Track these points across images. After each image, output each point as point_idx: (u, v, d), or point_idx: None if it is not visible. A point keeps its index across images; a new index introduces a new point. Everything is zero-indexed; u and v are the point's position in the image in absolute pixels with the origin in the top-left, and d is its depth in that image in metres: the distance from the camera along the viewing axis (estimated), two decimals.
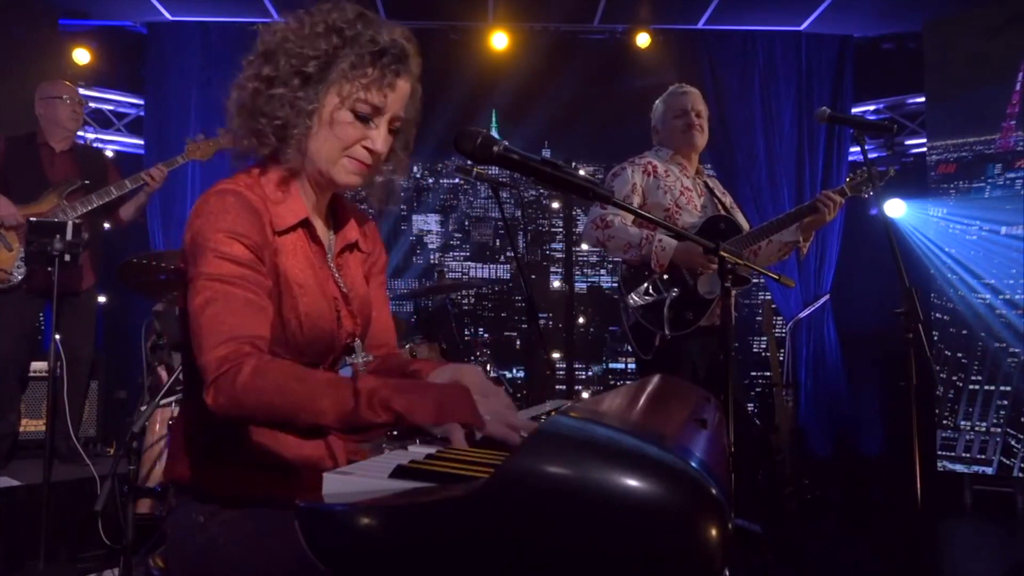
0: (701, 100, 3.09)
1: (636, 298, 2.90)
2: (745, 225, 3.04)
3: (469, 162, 2.63)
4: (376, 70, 1.27)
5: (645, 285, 2.90)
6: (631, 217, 2.93)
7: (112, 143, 5.67)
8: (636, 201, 2.94)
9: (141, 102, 5.67)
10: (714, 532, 0.75)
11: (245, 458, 1.31)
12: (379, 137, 1.32)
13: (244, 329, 1.18)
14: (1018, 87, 4.67)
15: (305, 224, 1.35)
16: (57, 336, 3.32)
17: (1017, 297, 4.61)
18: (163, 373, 3.25)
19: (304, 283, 1.32)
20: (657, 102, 3.17)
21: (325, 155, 1.31)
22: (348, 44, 1.26)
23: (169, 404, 3.00)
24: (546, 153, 5.47)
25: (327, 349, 1.38)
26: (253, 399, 1.13)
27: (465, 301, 6.39)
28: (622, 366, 6.47)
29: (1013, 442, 4.54)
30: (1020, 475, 4.50)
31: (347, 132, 1.30)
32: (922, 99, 5.35)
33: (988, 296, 4.71)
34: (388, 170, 1.44)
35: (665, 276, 2.88)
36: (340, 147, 1.31)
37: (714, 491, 0.77)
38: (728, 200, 3.12)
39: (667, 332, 2.83)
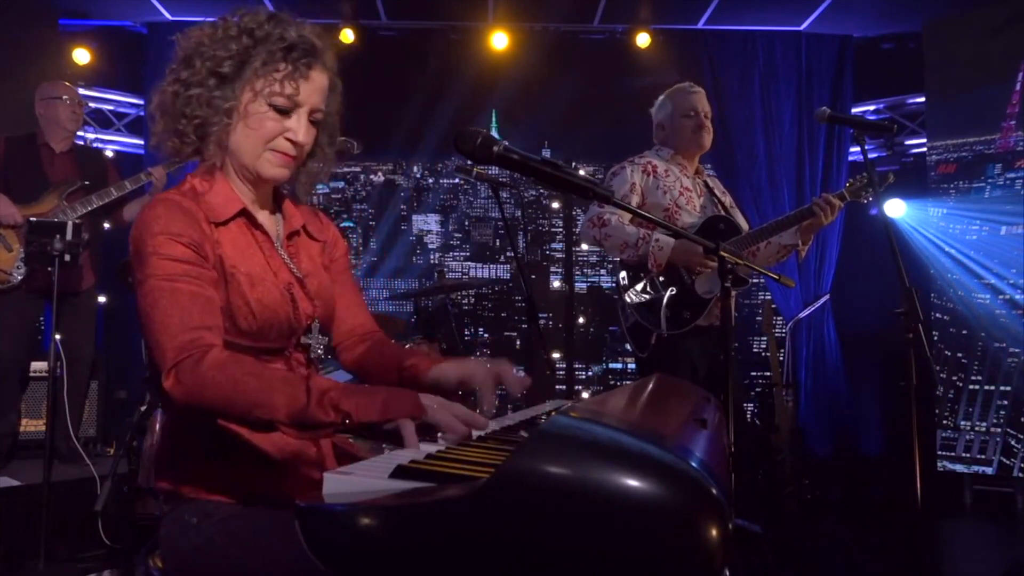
0: (707, 100, 3.08)
1: (633, 296, 2.90)
2: (744, 225, 3.04)
3: (469, 162, 2.63)
4: (288, 64, 1.33)
5: (642, 284, 2.90)
6: (627, 216, 2.93)
7: (112, 143, 5.67)
8: (635, 201, 2.94)
9: (141, 102, 5.66)
10: (714, 532, 0.75)
11: (229, 456, 1.32)
12: (299, 127, 1.36)
13: (195, 320, 1.23)
14: (1018, 87, 4.67)
15: (243, 214, 1.40)
16: (57, 336, 3.32)
17: (1017, 297, 4.61)
18: None
19: (250, 271, 1.36)
20: (662, 99, 3.12)
21: (248, 150, 1.36)
22: (259, 43, 1.32)
23: None
24: (546, 153, 5.47)
25: (287, 332, 1.40)
26: (210, 391, 1.18)
27: (465, 301, 6.39)
28: (622, 366, 6.47)
29: (1013, 442, 4.54)
30: (1020, 475, 4.50)
31: (267, 126, 1.34)
32: (922, 99, 5.35)
33: (988, 296, 4.71)
34: (316, 165, 1.48)
35: (662, 276, 2.87)
36: (262, 141, 1.35)
37: (714, 491, 0.77)
38: (728, 200, 3.12)
39: (664, 331, 2.83)
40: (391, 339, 1.64)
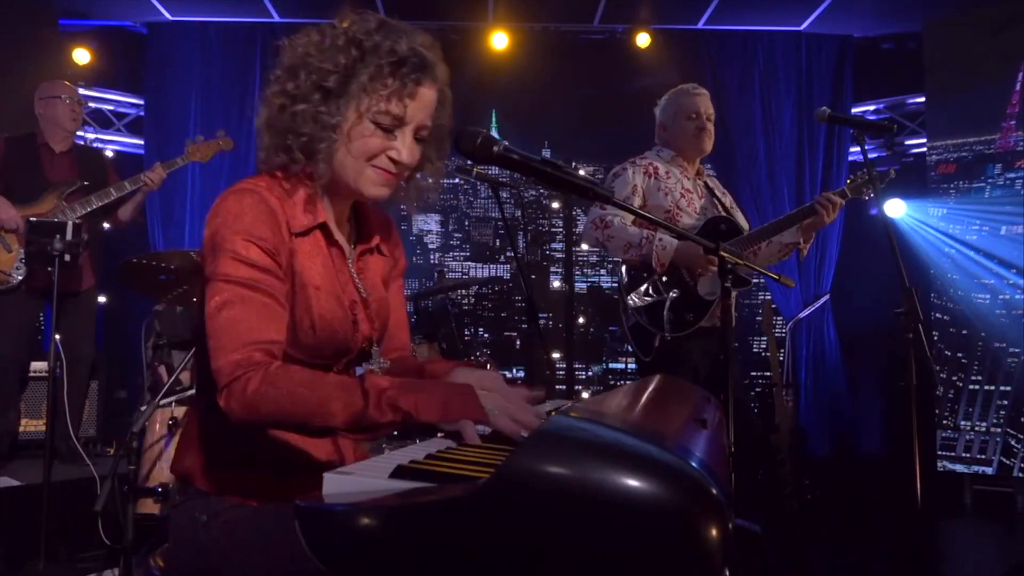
0: (710, 103, 3.06)
1: (636, 299, 2.89)
2: (745, 225, 3.04)
3: (469, 162, 2.63)
4: (396, 80, 1.26)
5: (645, 286, 2.89)
6: (631, 217, 2.92)
7: (112, 143, 5.67)
8: (636, 203, 2.93)
9: (141, 102, 5.66)
10: (714, 532, 0.75)
11: (254, 459, 1.32)
12: (403, 147, 1.31)
13: (258, 334, 1.20)
14: (1018, 87, 4.67)
15: (322, 228, 1.35)
16: (57, 336, 3.32)
17: (1017, 297, 4.61)
18: (163, 373, 3.25)
19: (320, 285, 1.33)
20: (666, 99, 3.11)
21: (351, 167, 1.30)
22: (367, 55, 1.26)
23: (169, 404, 2.99)
24: (546, 153, 5.48)
25: (341, 351, 1.38)
26: (265, 406, 1.15)
27: (465, 301, 6.38)
28: (622, 366, 6.47)
29: (1013, 442, 4.54)
30: (1020, 475, 4.50)
31: (370, 143, 1.29)
32: (922, 99, 5.35)
33: (988, 296, 4.71)
34: (425, 180, 1.44)
35: (664, 278, 2.87)
36: (364, 158, 1.30)
37: (714, 491, 0.78)
38: (728, 200, 3.12)
39: (667, 334, 2.83)
40: None
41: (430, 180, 1.44)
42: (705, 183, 3.09)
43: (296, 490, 1.29)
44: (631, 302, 2.90)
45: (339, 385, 1.18)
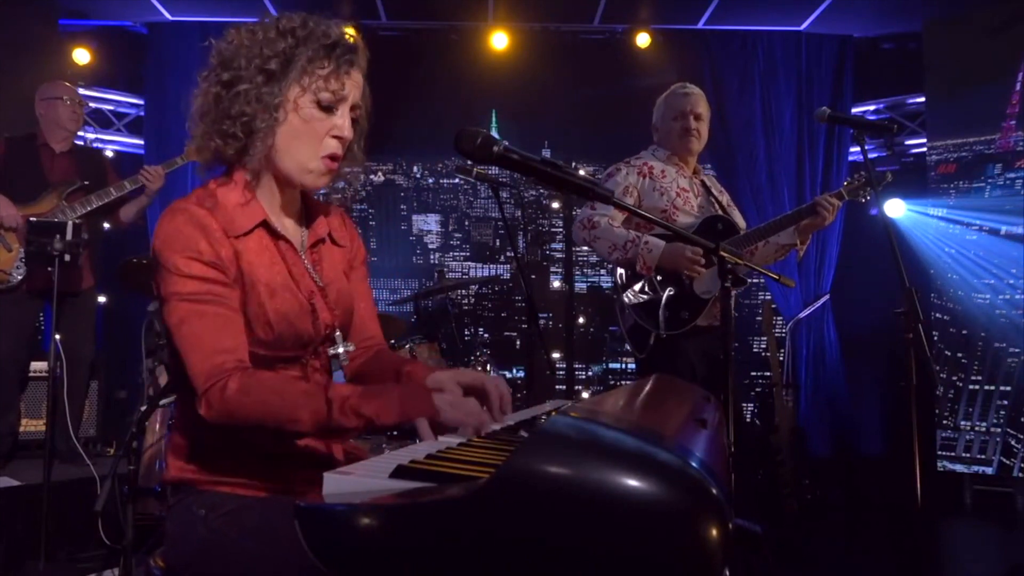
0: (703, 102, 3.05)
1: (631, 296, 2.89)
2: (741, 223, 3.04)
3: (469, 162, 2.63)
4: (332, 61, 1.35)
5: (641, 283, 2.89)
6: (619, 218, 2.92)
7: (112, 143, 5.67)
8: (629, 203, 2.93)
9: (141, 102, 5.67)
10: (714, 532, 0.75)
11: (244, 451, 1.35)
12: (344, 124, 1.38)
13: (220, 344, 1.27)
14: (1018, 87, 4.67)
15: (264, 225, 1.40)
16: (57, 336, 3.32)
17: (1017, 297, 4.61)
18: (163, 373, 3.25)
19: (270, 282, 1.37)
20: (660, 99, 3.13)
21: (295, 154, 1.37)
22: (302, 42, 1.34)
23: (169, 404, 3.00)
24: (546, 153, 5.48)
25: (304, 342, 1.41)
26: (240, 414, 1.25)
27: (465, 301, 6.39)
28: (622, 366, 6.47)
29: (1013, 442, 4.54)
30: (1020, 475, 4.50)
31: (315, 126, 1.36)
32: (922, 99, 5.35)
33: (988, 296, 4.71)
34: (349, 169, 1.49)
35: (659, 276, 2.86)
36: (313, 145, 1.37)
37: (714, 491, 0.77)
38: (725, 199, 3.11)
39: (662, 331, 2.82)
40: (391, 342, 1.66)
41: (354, 168, 1.50)
42: (702, 182, 3.08)
43: (288, 477, 1.35)
44: (627, 299, 2.90)
45: (306, 393, 1.26)
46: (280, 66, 1.34)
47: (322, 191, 1.53)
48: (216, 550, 1.29)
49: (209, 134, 1.37)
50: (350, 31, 1.41)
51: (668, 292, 2.84)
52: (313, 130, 1.36)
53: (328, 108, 1.36)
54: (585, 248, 3.48)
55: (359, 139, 1.48)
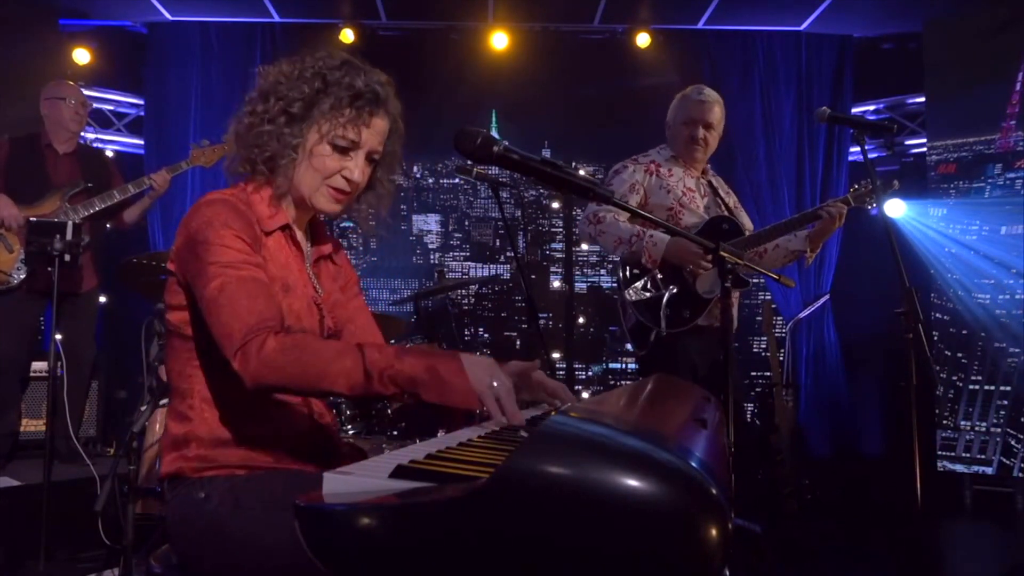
0: (716, 109, 2.99)
1: (633, 293, 2.88)
2: (749, 225, 3.03)
3: (469, 162, 2.63)
4: (352, 110, 1.44)
5: (643, 281, 2.89)
6: (624, 215, 2.92)
7: (112, 143, 5.67)
8: (635, 200, 2.93)
9: (141, 102, 5.66)
10: (714, 532, 0.75)
11: (236, 438, 1.40)
12: (356, 167, 1.47)
13: (261, 306, 1.31)
14: (1018, 87, 4.67)
15: (286, 228, 1.51)
16: (57, 336, 3.32)
17: (1017, 297, 4.61)
18: (163, 373, 3.24)
19: (286, 279, 1.46)
20: (677, 96, 3.10)
21: (307, 183, 1.47)
22: (329, 87, 1.44)
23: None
24: (546, 153, 5.47)
25: None
26: (277, 372, 1.25)
27: (465, 301, 6.38)
28: (622, 366, 6.46)
29: (1013, 442, 4.55)
30: (1020, 475, 4.50)
31: (326, 163, 1.46)
32: (922, 99, 5.35)
33: (988, 296, 4.71)
34: (374, 198, 1.60)
35: (661, 275, 2.86)
36: (321, 176, 1.46)
37: (714, 491, 0.77)
38: (732, 200, 3.11)
39: (663, 329, 2.82)
40: (390, 342, 1.69)
41: (378, 198, 1.61)
42: (709, 182, 3.07)
43: (282, 458, 1.41)
44: (629, 296, 2.89)
45: (340, 353, 1.27)
46: (302, 110, 1.43)
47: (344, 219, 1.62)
48: (216, 530, 1.31)
49: (240, 158, 1.48)
50: (382, 78, 1.49)
51: (671, 291, 2.84)
52: (325, 166, 1.46)
53: (342, 150, 1.46)
54: (585, 248, 3.47)
55: (385, 173, 1.58)
